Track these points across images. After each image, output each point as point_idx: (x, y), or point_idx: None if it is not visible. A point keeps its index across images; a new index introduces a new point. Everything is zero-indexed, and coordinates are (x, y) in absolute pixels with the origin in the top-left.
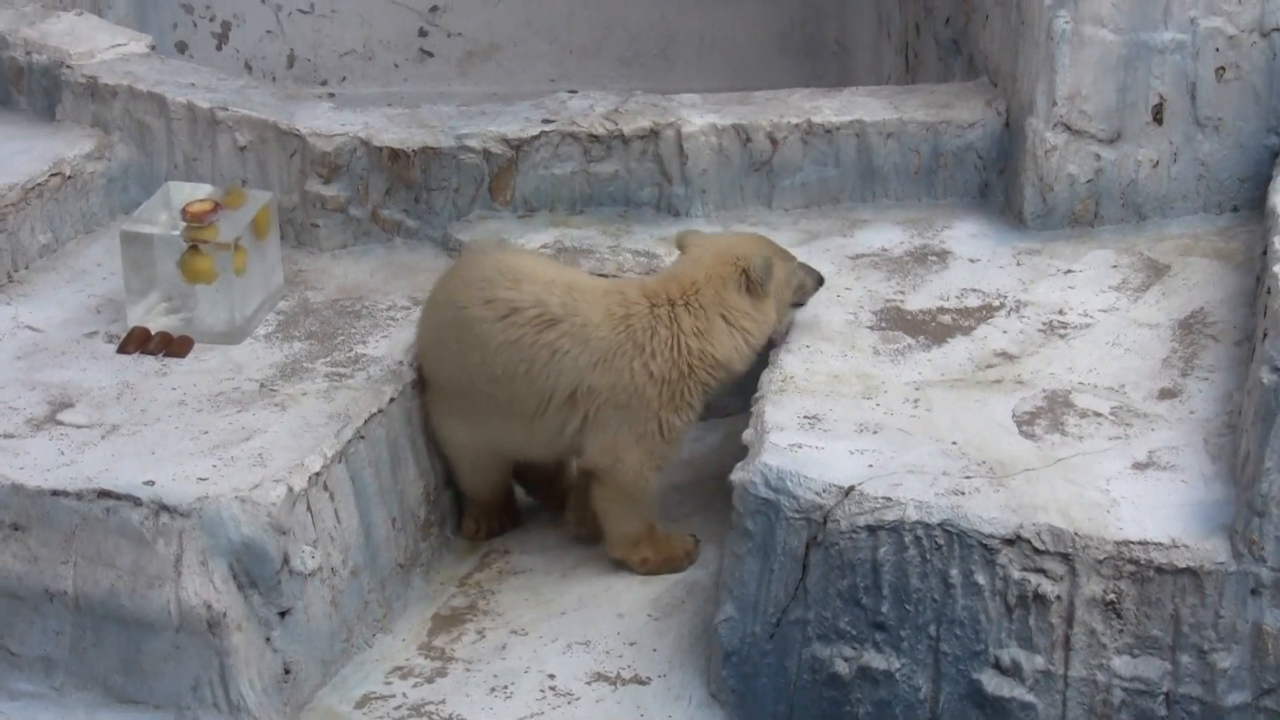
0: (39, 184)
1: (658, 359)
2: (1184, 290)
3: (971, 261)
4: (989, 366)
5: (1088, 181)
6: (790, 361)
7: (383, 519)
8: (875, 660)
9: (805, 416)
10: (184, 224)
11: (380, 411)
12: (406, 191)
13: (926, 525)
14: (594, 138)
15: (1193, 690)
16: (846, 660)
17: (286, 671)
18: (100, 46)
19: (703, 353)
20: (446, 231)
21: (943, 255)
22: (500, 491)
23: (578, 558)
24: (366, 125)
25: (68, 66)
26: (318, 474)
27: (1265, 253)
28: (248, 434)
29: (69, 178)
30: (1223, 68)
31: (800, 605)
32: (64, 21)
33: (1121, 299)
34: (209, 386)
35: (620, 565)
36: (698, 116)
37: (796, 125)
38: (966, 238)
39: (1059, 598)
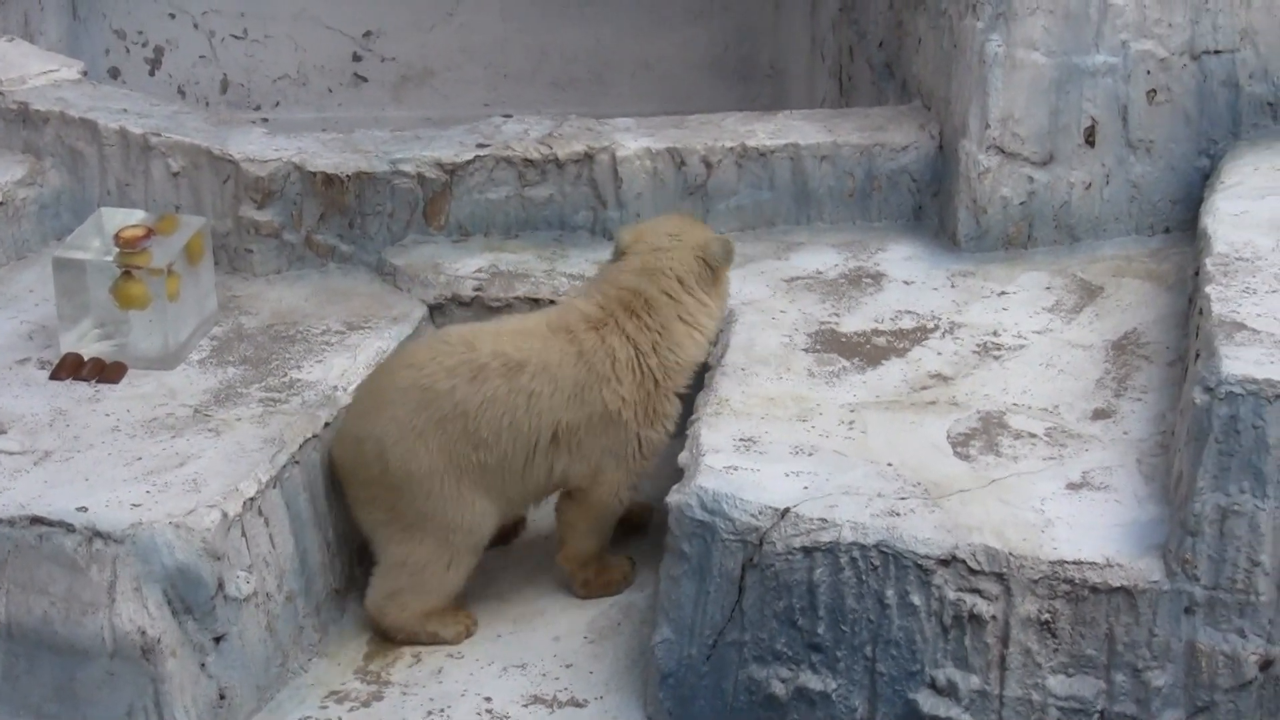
0: None
1: (624, 384)
2: (1117, 311)
3: (906, 284)
4: (923, 388)
5: (1021, 204)
6: (725, 384)
7: (318, 544)
8: (812, 681)
9: (740, 439)
10: (117, 250)
11: (315, 436)
12: (341, 216)
13: (862, 546)
14: (529, 162)
15: (1127, 709)
16: (783, 681)
17: (221, 697)
18: (31, 72)
19: (664, 363)
20: (381, 256)
21: (877, 278)
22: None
23: (512, 581)
24: (300, 150)
25: None
26: (252, 499)
27: (1197, 274)
28: (182, 460)
29: (0, 204)
30: (1154, 90)
31: (736, 627)
32: None
33: (1055, 320)
34: (143, 412)
35: (561, 584)
36: (632, 140)
37: (731, 149)
38: (901, 260)
39: (994, 618)
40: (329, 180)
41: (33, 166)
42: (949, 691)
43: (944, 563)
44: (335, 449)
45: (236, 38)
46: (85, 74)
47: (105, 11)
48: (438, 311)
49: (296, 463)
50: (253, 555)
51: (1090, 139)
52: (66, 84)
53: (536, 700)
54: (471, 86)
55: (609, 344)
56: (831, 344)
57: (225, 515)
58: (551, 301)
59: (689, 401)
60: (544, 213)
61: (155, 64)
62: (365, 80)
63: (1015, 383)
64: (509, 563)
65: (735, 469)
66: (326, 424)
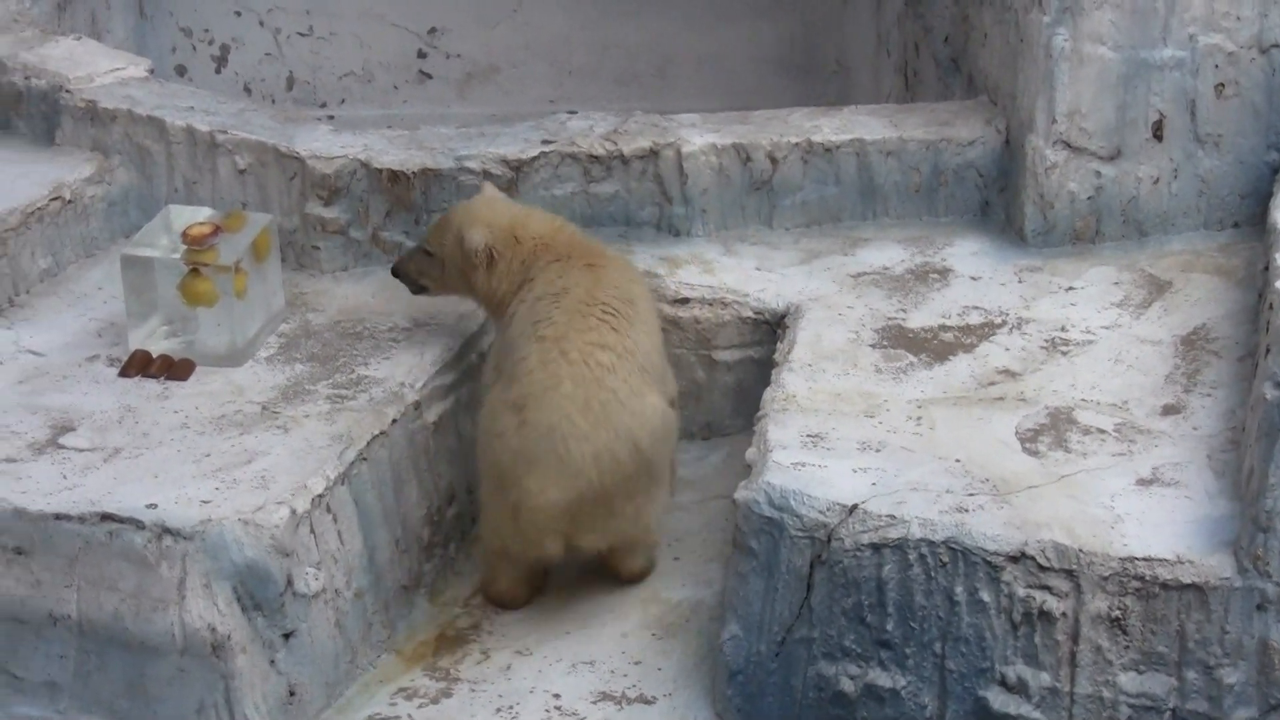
0: (39, 208)
1: None
2: (1186, 306)
3: (973, 279)
4: (991, 384)
5: (1088, 198)
6: (792, 380)
7: (386, 540)
8: (881, 678)
9: (808, 435)
10: (184, 247)
11: (383, 433)
12: (407, 213)
13: (931, 543)
14: (594, 158)
15: (1199, 706)
16: (852, 678)
17: (291, 694)
18: (99, 70)
19: None
20: None
21: (944, 273)
22: None
23: (580, 577)
24: (366, 147)
25: (67, 91)
26: (320, 496)
27: (1267, 268)
28: (250, 456)
29: (69, 202)
30: (1222, 84)
31: (805, 624)
32: (63, 46)
33: (1123, 315)
34: (211, 409)
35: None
36: (697, 136)
37: (796, 144)
38: (967, 255)
39: (1064, 614)
40: (395, 177)
41: (101, 164)
42: (1019, 689)
43: (1013, 559)
44: (593, 455)
45: (302, 35)
46: (152, 72)
47: (172, 9)
48: None
49: (364, 460)
50: (321, 552)
51: (1158, 133)
52: (134, 82)
53: (605, 697)
54: (536, 83)
55: None
56: (899, 340)
57: (294, 512)
58: None
59: (752, 403)
60: (609, 209)
61: (221, 61)
62: (430, 77)
63: (1084, 378)
64: (576, 560)
65: (803, 465)
66: (394, 421)
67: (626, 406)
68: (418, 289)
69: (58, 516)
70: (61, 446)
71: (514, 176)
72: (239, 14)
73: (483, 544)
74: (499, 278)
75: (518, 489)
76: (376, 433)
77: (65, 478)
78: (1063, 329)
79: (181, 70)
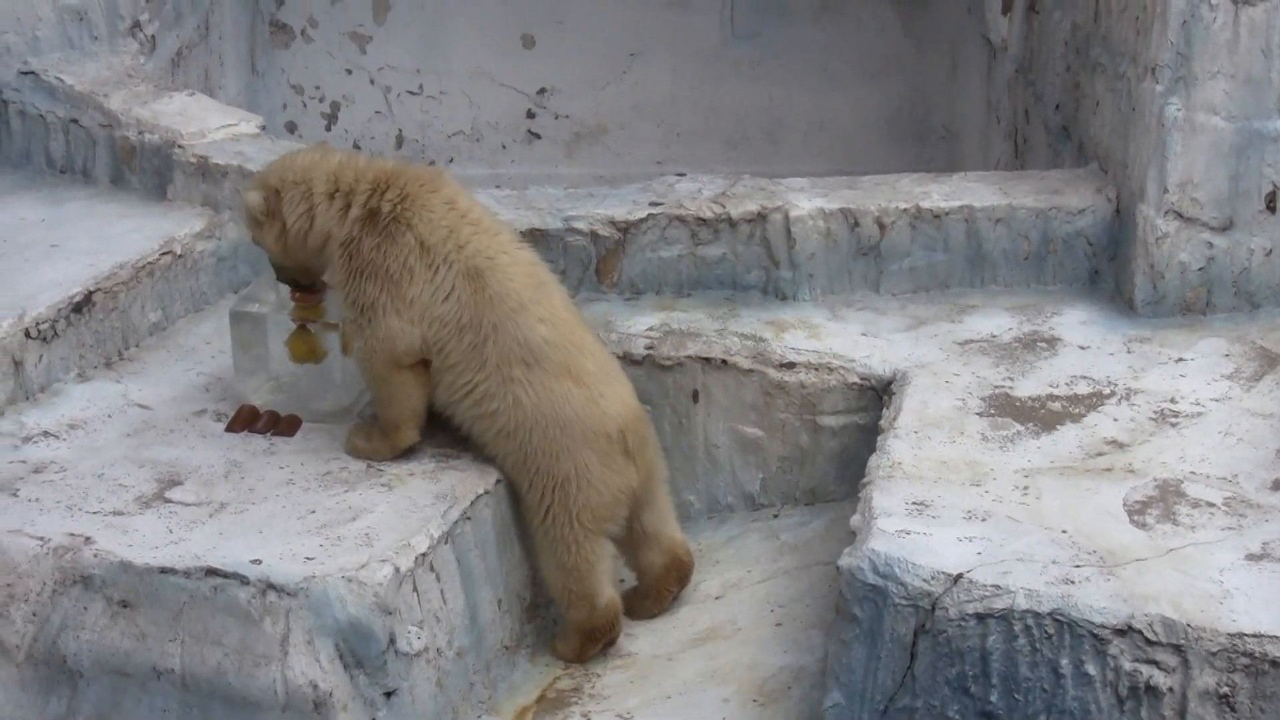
0: (150, 262)
1: None
2: None
3: (1081, 348)
4: (1099, 454)
5: (1199, 269)
6: (898, 447)
7: (489, 600)
8: None
9: (913, 503)
10: (292, 304)
11: (487, 493)
12: None
13: (1036, 614)
14: (701, 221)
15: None
16: None
17: None
18: (211, 126)
19: None
20: None
21: (1052, 342)
22: None
23: (683, 640)
24: None
25: (179, 146)
26: (424, 555)
27: None
28: (354, 514)
29: (179, 256)
30: None
31: (908, 693)
32: (176, 101)
33: (1234, 388)
34: (316, 466)
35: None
36: (805, 200)
37: (905, 210)
38: (1076, 324)
39: (1171, 690)
40: None
41: (211, 220)
42: None
43: (1120, 632)
44: None
45: (412, 94)
46: (264, 128)
47: (283, 67)
48: None
49: (468, 519)
50: (424, 611)
51: (1271, 205)
52: (245, 138)
53: None
54: (644, 144)
55: None
56: (1005, 408)
57: (397, 570)
58: (724, 361)
59: (857, 469)
60: (716, 271)
61: (331, 119)
62: (539, 137)
63: (1193, 451)
64: (678, 625)
65: (907, 533)
66: (498, 480)
67: None
68: (296, 284)
69: (163, 570)
70: (168, 500)
71: (621, 238)
72: (350, 72)
73: (574, 575)
74: (297, 224)
75: (613, 417)
76: (480, 492)
77: (171, 532)
78: (1172, 400)
79: (292, 127)
